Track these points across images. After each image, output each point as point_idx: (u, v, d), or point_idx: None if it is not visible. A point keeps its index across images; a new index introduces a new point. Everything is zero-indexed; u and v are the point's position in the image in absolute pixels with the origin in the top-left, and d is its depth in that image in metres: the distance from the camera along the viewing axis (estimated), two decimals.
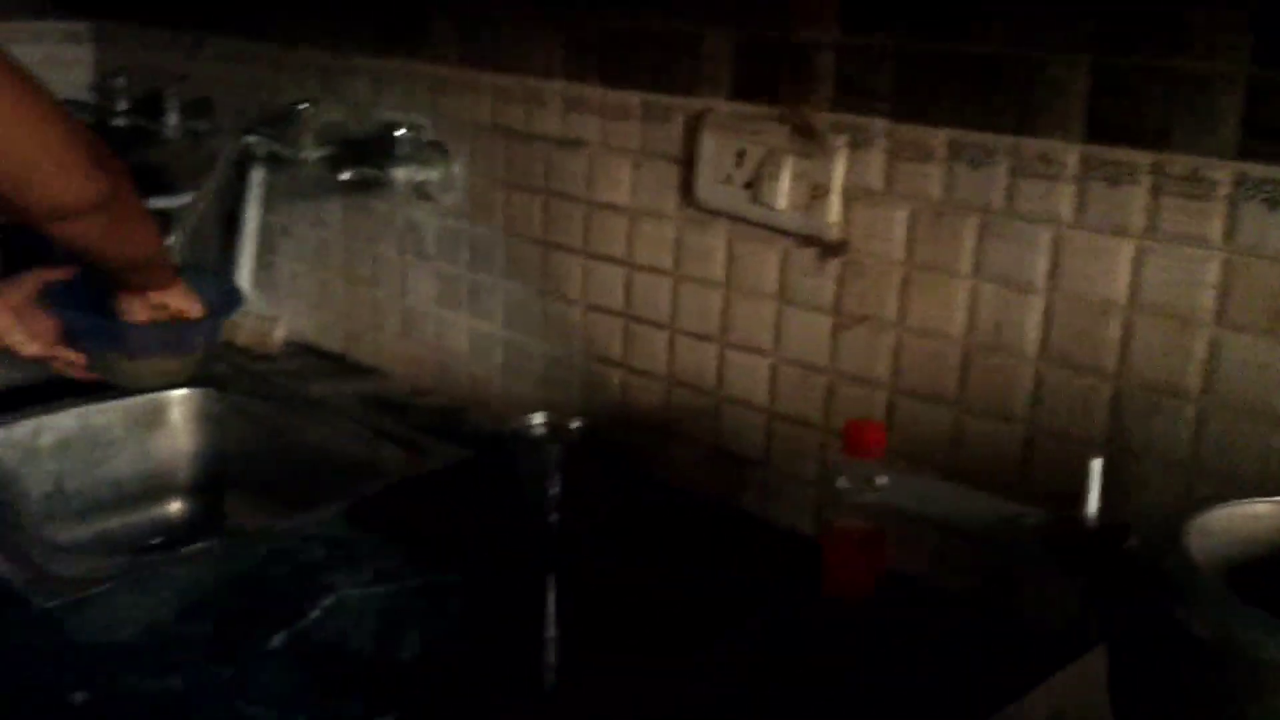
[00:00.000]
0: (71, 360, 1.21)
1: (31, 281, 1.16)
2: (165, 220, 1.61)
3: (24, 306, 1.15)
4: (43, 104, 0.86)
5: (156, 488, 1.45)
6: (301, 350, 1.59)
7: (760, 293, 1.09)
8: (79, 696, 0.80)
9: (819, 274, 1.04)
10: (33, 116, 0.85)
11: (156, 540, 1.35)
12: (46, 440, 1.35)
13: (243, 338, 1.59)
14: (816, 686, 0.86)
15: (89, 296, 1.19)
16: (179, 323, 1.22)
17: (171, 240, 1.58)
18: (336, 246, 1.53)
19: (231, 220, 1.62)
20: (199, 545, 1.04)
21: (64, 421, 1.37)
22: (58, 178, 0.90)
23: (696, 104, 1.10)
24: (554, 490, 1.01)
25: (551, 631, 0.95)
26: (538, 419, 1.07)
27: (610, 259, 1.20)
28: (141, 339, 1.21)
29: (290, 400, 1.43)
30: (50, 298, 1.17)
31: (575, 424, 1.05)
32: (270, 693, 0.81)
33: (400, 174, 1.35)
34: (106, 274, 1.14)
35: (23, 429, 1.33)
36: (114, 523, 1.40)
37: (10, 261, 1.55)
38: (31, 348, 1.18)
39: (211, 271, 1.50)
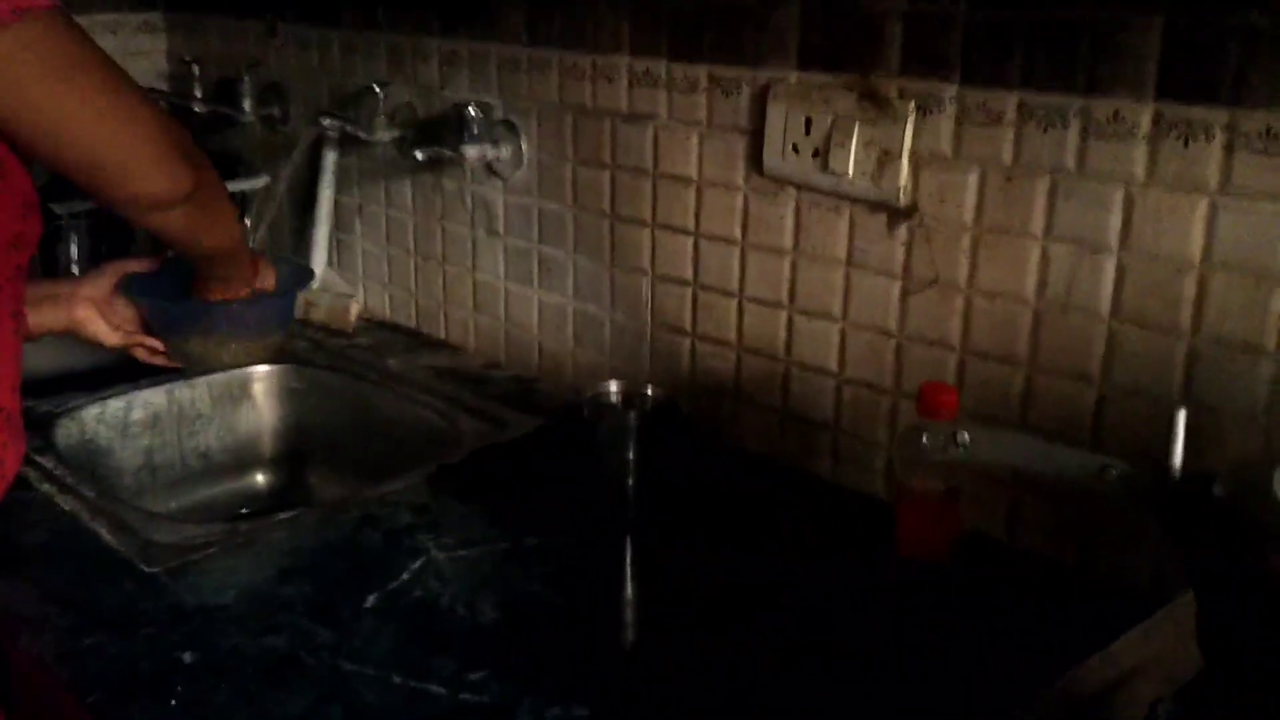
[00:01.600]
0: (153, 348, 1.25)
1: (111, 273, 1.20)
2: (243, 203, 1.66)
3: (105, 298, 1.19)
4: (135, 97, 0.90)
5: (242, 461, 1.50)
6: (376, 326, 1.63)
7: (829, 259, 1.10)
8: (188, 656, 0.84)
9: (888, 239, 1.05)
10: (127, 110, 0.88)
11: (244, 511, 1.40)
12: (138, 416, 1.41)
13: (320, 316, 1.63)
14: (894, 647, 0.88)
15: (168, 287, 1.23)
16: (256, 304, 1.26)
17: (247, 222, 1.63)
18: (408, 225, 1.57)
19: (306, 202, 1.67)
20: (293, 513, 1.08)
21: (154, 398, 1.42)
22: (152, 170, 0.93)
23: (764, 75, 1.11)
24: (630, 457, 1.03)
25: (629, 593, 0.98)
26: (613, 387, 1.09)
27: (678, 230, 1.22)
28: (220, 322, 1.24)
29: (368, 374, 1.47)
30: (130, 289, 1.21)
31: (650, 391, 1.07)
32: (368, 651, 0.85)
33: (471, 152, 1.38)
34: (190, 264, 1.18)
35: (115, 406, 1.39)
36: (202, 495, 1.46)
37: (94, 254, 1.61)
38: (114, 338, 1.23)
39: (281, 255, 1.54)
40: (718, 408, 1.22)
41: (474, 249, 1.48)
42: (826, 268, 1.10)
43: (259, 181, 1.66)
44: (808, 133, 1.08)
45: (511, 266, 1.43)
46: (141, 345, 1.27)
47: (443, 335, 1.56)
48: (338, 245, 1.68)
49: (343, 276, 1.68)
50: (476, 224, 1.46)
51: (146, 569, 0.96)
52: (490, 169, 1.41)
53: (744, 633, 0.89)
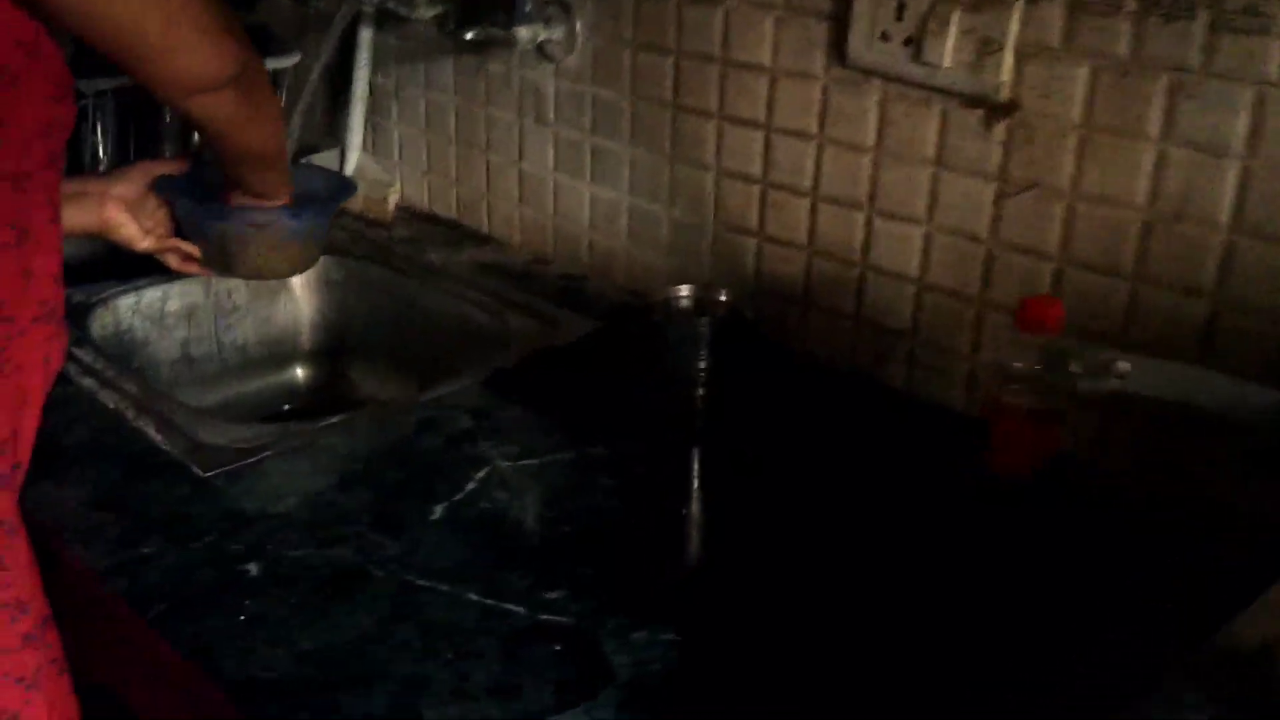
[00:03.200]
0: (187, 253, 1.19)
1: (140, 174, 1.13)
2: (274, 83, 1.58)
3: (135, 199, 1.13)
4: None
5: (280, 355, 1.46)
6: (415, 217, 1.56)
7: (916, 158, 1.03)
8: (252, 568, 0.80)
9: (984, 137, 0.98)
10: None
11: (286, 408, 1.36)
12: (173, 307, 1.36)
13: (357, 205, 1.56)
14: (988, 575, 0.84)
15: (200, 191, 1.17)
16: (298, 212, 1.19)
17: (280, 99, 1.55)
18: (449, 110, 1.49)
19: (339, 83, 1.59)
20: (346, 415, 1.03)
21: (190, 289, 1.37)
22: (198, 44, 0.86)
23: None
24: (701, 366, 0.98)
25: (700, 509, 0.94)
26: (684, 291, 1.03)
27: (748, 122, 1.15)
28: (259, 228, 1.18)
29: (409, 268, 1.42)
30: (161, 190, 1.14)
31: (723, 298, 1.02)
32: (437, 565, 0.81)
33: (522, 33, 1.29)
34: (226, 168, 1.11)
35: (151, 296, 1.34)
36: (240, 389, 1.42)
37: (120, 140, 1.53)
38: (146, 241, 1.16)
39: (320, 167, 1.47)
40: (784, 313, 1.17)
41: (521, 138, 1.41)
42: (912, 167, 1.03)
43: (290, 60, 1.57)
44: (900, 18, 1.00)
45: (562, 158, 1.36)
46: (175, 250, 1.21)
47: (485, 228, 1.49)
48: (374, 130, 1.60)
49: (379, 164, 1.60)
50: (524, 111, 1.39)
51: (200, 472, 0.92)
52: (541, 51, 1.33)
53: (819, 550, 0.85)
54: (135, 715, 0.86)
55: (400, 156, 1.58)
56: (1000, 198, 0.98)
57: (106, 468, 0.94)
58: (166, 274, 1.33)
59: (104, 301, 1.29)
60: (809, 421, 1.04)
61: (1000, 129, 0.97)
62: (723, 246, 1.21)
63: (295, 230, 1.21)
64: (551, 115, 1.36)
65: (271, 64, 1.57)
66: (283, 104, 1.58)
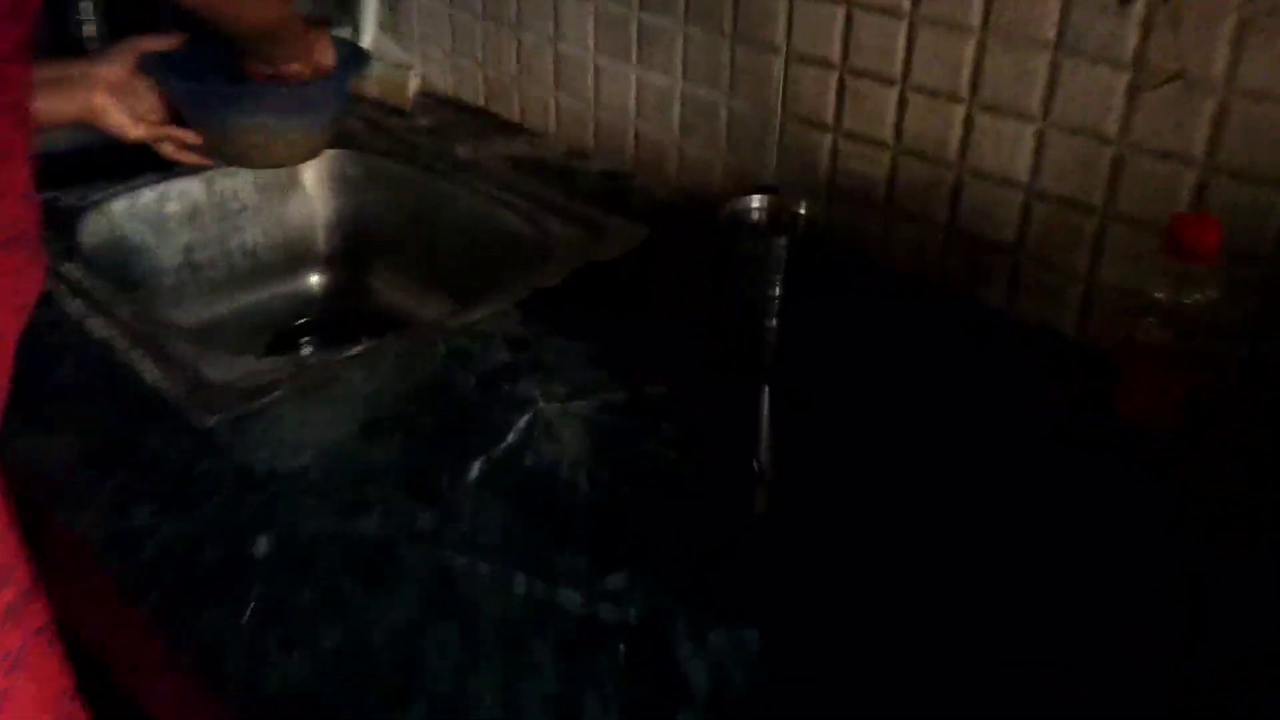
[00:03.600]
0: (185, 141, 1.05)
1: (129, 52, 0.99)
2: None
3: (123, 82, 0.99)
4: None
5: (293, 259, 1.32)
6: (438, 104, 1.41)
7: (1030, 41, 0.87)
8: (262, 545, 0.69)
9: (1116, 18, 0.82)
10: None
11: (301, 321, 1.23)
12: (174, 209, 1.22)
13: (373, 89, 1.41)
14: (1108, 540, 0.71)
15: (200, 68, 1.02)
16: (304, 88, 1.04)
17: None
18: None
19: None
20: (366, 345, 0.91)
21: (191, 188, 1.23)
22: None
23: None
24: (775, 293, 0.85)
25: (772, 459, 0.81)
26: (755, 202, 0.89)
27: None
28: (265, 108, 1.04)
29: (435, 164, 1.27)
30: (153, 70, 1.00)
31: (802, 210, 0.87)
32: (480, 540, 0.70)
33: None
34: (231, 42, 0.96)
35: (148, 198, 1.20)
36: (251, 299, 1.29)
37: (112, 30, 1.37)
38: (137, 130, 1.03)
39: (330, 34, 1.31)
40: (863, 221, 1.02)
41: (556, 13, 1.24)
42: (1026, 52, 0.87)
43: None
44: None
45: (603, 36, 1.20)
46: (170, 138, 1.07)
47: (517, 117, 1.34)
48: (390, 5, 1.43)
49: (397, 43, 1.44)
50: None
51: (203, 421, 0.80)
52: None
53: (912, 508, 0.73)
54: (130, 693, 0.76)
55: (420, 34, 1.41)
56: (1136, 91, 0.82)
57: (96, 413, 0.82)
58: (164, 171, 1.19)
59: (95, 205, 1.15)
60: (897, 352, 0.90)
61: (1138, 7, 0.81)
62: (791, 142, 1.06)
63: (302, 109, 1.07)
64: None
65: None
66: None
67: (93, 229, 1.14)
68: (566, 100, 1.27)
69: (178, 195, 1.22)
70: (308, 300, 1.32)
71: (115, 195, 1.17)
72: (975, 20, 0.89)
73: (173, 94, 1.05)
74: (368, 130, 1.34)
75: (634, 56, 1.17)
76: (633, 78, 1.19)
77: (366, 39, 1.43)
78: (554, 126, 1.30)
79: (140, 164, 1.17)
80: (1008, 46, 0.88)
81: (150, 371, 0.87)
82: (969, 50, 0.91)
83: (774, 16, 1.03)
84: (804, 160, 1.05)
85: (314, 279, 1.33)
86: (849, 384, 0.86)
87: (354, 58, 1.12)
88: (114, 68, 1.02)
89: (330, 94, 1.09)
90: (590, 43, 1.21)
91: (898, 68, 0.95)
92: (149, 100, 1.05)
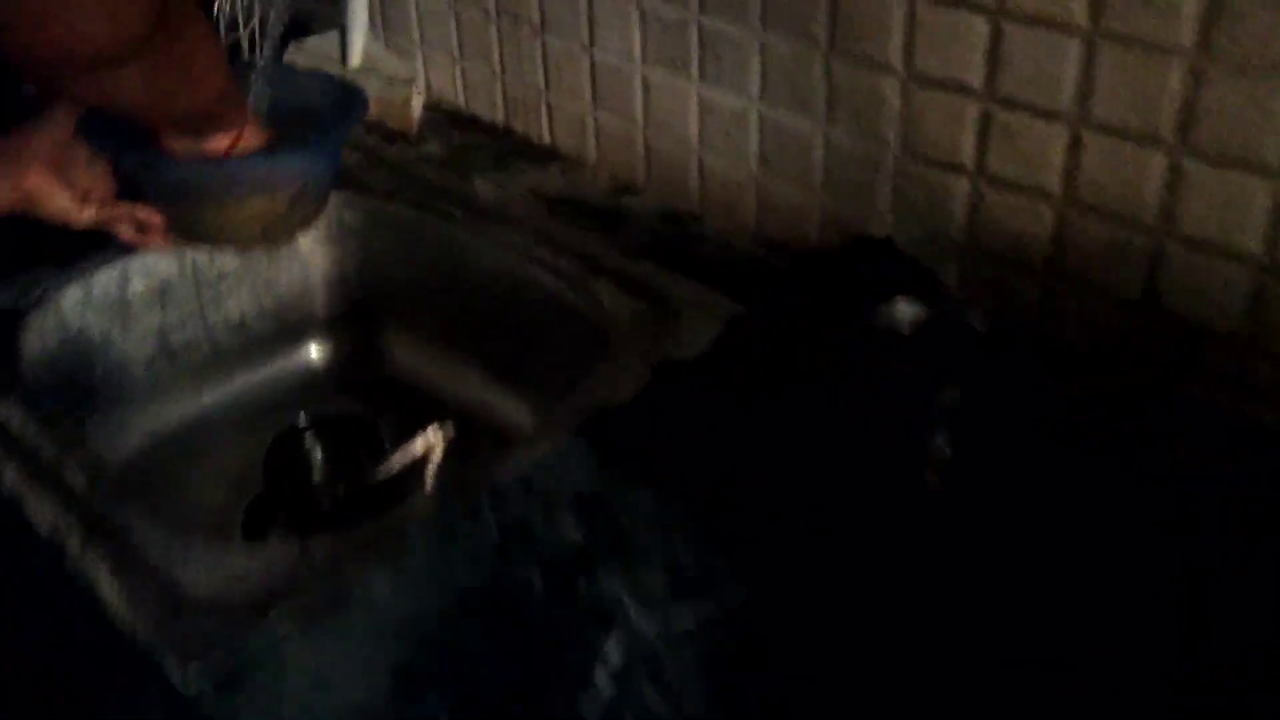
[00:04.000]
0: (146, 221, 0.83)
1: (63, 118, 0.77)
2: None
3: (62, 155, 0.77)
4: None
5: (289, 327, 1.10)
6: (448, 122, 1.16)
7: (1268, 66, 0.63)
8: None
9: None
10: None
11: (303, 424, 1.01)
12: (139, 289, 1.00)
13: (371, 109, 1.17)
14: None
15: (144, 130, 0.79)
16: (291, 151, 0.82)
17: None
18: None
19: None
20: (392, 519, 0.69)
21: (158, 261, 1.00)
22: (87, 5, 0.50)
23: None
24: (941, 445, 0.62)
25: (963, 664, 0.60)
26: (905, 310, 0.66)
27: (960, 1, 0.74)
28: (241, 175, 0.81)
29: (451, 206, 1.04)
30: (95, 136, 0.77)
31: (975, 325, 0.65)
32: None
33: None
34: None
35: (105, 281, 0.97)
36: (241, 382, 1.07)
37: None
38: (85, 212, 0.81)
39: (313, 70, 1.06)
40: (1013, 289, 0.79)
41: (591, 14, 0.99)
42: (1259, 79, 0.64)
43: None
44: None
45: (654, 44, 0.96)
46: (127, 219, 0.85)
47: (546, 138, 1.10)
48: (383, 3, 1.19)
49: (395, 51, 1.19)
50: None
51: (182, 675, 0.59)
52: None
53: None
54: None
55: (422, 39, 1.17)
56: None
57: (30, 664, 0.61)
58: (121, 245, 0.97)
59: (40, 303, 0.93)
60: (1118, 476, 0.67)
61: None
62: (910, 185, 0.82)
63: (293, 177, 0.85)
64: None
65: None
66: None
67: (38, 335, 0.92)
68: (607, 119, 1.03)
69: (143, 272, 0.99)
70: (309, 377, 1.10)
71: (63, 285, 0.95)
72: (1187, 38, 0.65)
73: (126, 167, 0.82)
74: (366, 163, 1.11)
75: (695, 70, 0.93)
76: (694, 95, 0.95)
77: (357, 47, 1.19)
78: (593, 151, 1.06)
79: (89, 237, 0.94)
80: (1235, 73, 0.64)
81: (109, 585, 0.65)
82: (1174, 77, 0.67)
83: (885, 26, 0.79)
84: (929, 209, 0.82)
85: (314, 350, 1.11)
86: (1057, 541, 0.64)
87: (349, 103, 0.89)
88: (46, 139, 0.80)
89: (325, 155, 0.86)
90: (635, 51, 0.97)
91: (1068, 98, 0.72)
92: (95, 173, 0.82)
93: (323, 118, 0.89)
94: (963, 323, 0.69)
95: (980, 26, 0.74)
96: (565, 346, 0.93)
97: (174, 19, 0.57)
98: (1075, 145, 0.72)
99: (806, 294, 0.84)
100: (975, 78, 0.75)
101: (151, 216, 0.85)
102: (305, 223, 0.90)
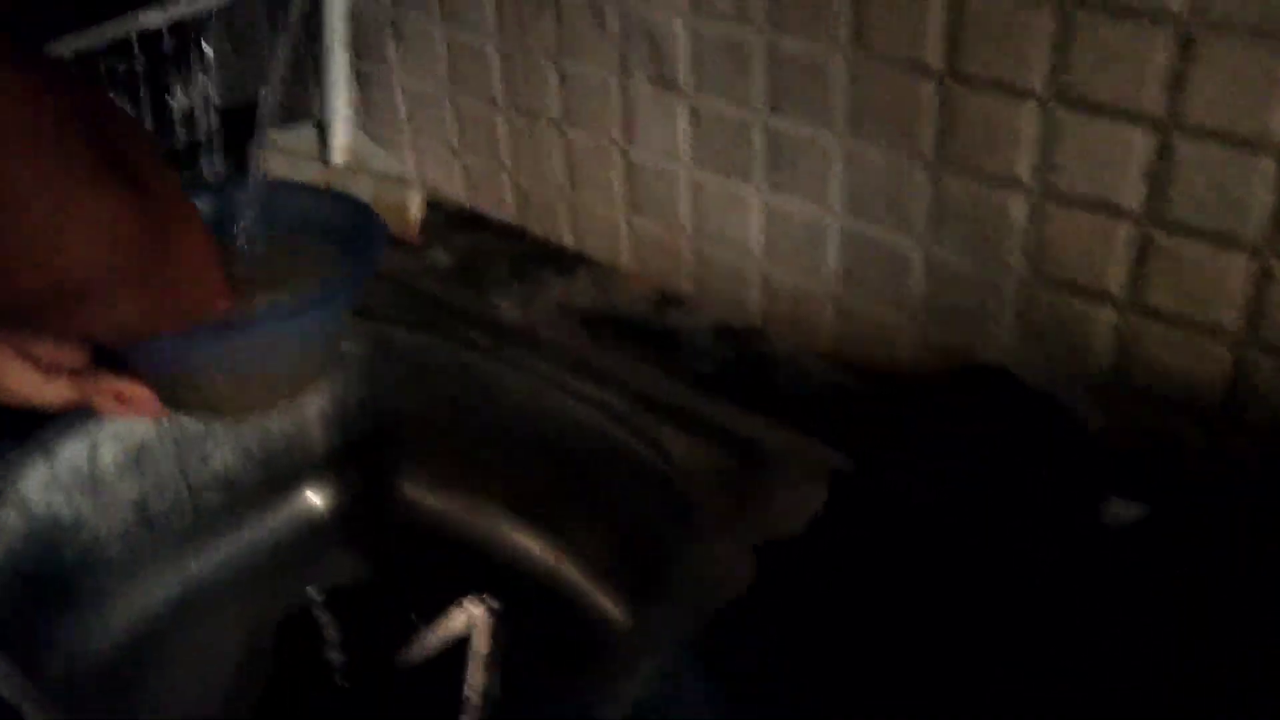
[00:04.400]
0: (130, 394, 0.68)
1: None
2: (182, 40, 1.00)
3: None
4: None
5: (284, 474, 0.95)
6: (453, 224, 1.02)
7: None
8: None
9: None
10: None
11: (318, 595, 0.87)
12: (111, 457, 0.84)
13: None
14: None
15: None
16: (290, 312, 0.68)
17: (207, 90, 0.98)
18: (489, 56, 0.94)
19: (301, 21, 1.01)
20: None
21: (129, 427, 0.85)
22: (51, 222, 0.37)
23: None
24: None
25: None
26: (1123, 507, 0.54)
27: (1103, 107, 0.63)
28: (230, 343, 0.67)
29: (467, 325, 0.90)
30: None
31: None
32: None
33: None
34: None
35: (71, 454, 0.82)
36: (233, 546, 0.92)
37: None
38: (52, 387, 0.66)
39: (314, 188, 0.91)
40: (1174, 429, 0.68)
41: (625, 108, 0.87)
42: None
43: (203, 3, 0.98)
44: None
45: (704, 144, 0.83)
46: (106, 391, 0.70)
47: (570, 241, 0.97)
48: (360, 85, 1.04)
49: (382, 143, 1.05)
50: (631, 66, 0.84)
51: None
52: None
53: None
54: None
55: (410, 124, 1.03)
56: None
57: None
58: (88, 412, 0.81)
59: None
60: None
61: None
62: (1040, 312, 0.71)
63: (288, 343, 0.70)
64: (683, 77, 0.81)
65: (176, 12, 0.98)
66: (211, 57, 1.01)
67: None
68: (646, 225, 0.90)
69: (115, 438, 0.84)
70: (312, 529, 0.95)
71: (25, 462, 0.79)
72: None
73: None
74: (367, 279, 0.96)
75: (759, 175, 0.81)
76: (756, 202, 0.82)
77: (339, 140, 1.04)
78: (628, 258, 0.93)
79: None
80: None
81: None
82: None
83: (1013, 136, 0.67)
84: (1063, 338, 0.70)
85: (314, 498, 0.96)
86: None
87: (364, 231, 0.74)
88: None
89: (328, 317, 0.71)
90: (683, 151, 0.84)
91: (1255, 224, 0.61)
92: (65, 343, 0.67)
93: (331, 249, 0.74)
94: (1190, 518, 0.57)
95: (1142, 141, 0.62)
96: (624, 499, 0.80)
97: (165, 225, 0.44)
98: (1265, 277, 0.61)
99: (935, 442, 0.72)
100: (1132, 196, 0.64)
101: (137, 390, 0.70)
102: (300, 389, 0.75)
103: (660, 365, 0.84)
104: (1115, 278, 0.67)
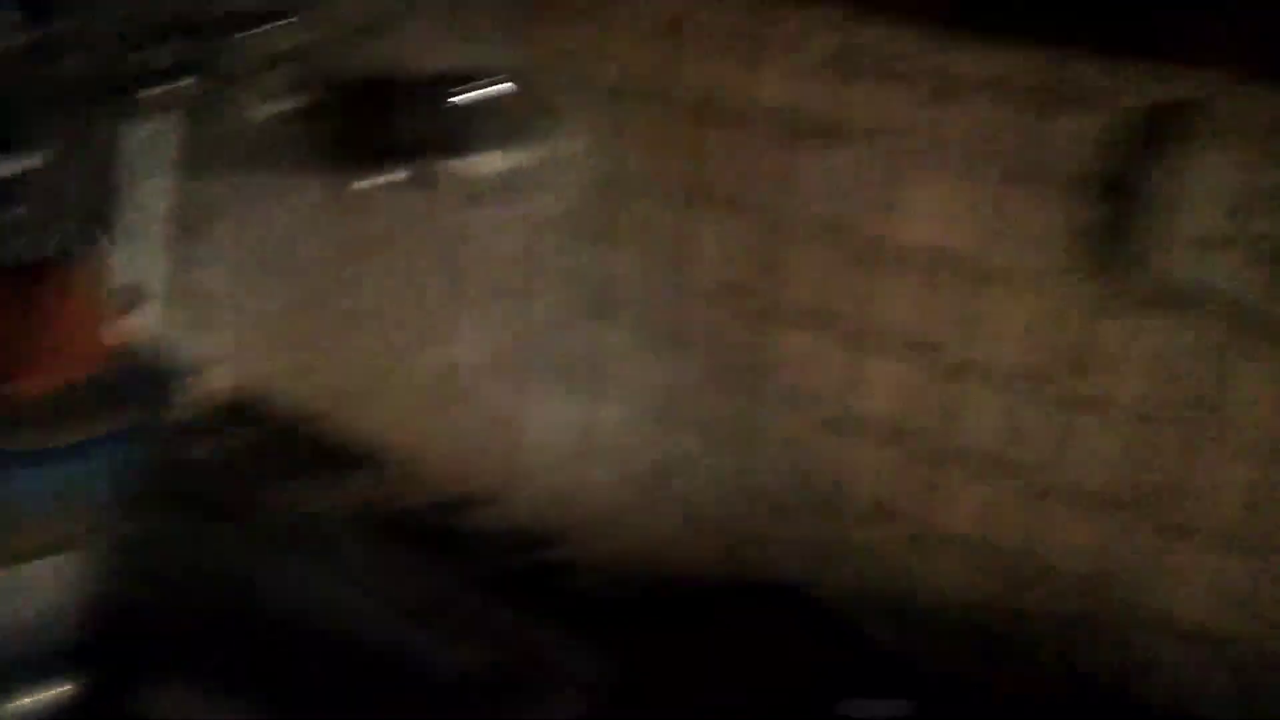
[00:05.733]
0: None
1: None
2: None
3: None
4: None
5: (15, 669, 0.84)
6: (238, 416, 0.97)
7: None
8: None
9: None
10: None
11: None
12: None
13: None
14: None
15: None
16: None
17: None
18: (308, 256, 0.93)
19: (111, 193, 0.99)
20: None
21: None
22: None
23: (1164, 87, 0.58)
24: None
25: None
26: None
27: (902, 346, 0.68)
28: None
29: (242, 518, 0.85)
30: None
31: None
32: None
33: (467, 165, 0.76)
34: None
35: None
36: None
37: None
38: None
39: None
40: (945, 646, 0.69)
41: (436, 309, 0.87)
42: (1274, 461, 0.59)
43: (19, 164, 0.94)
44: (1248, 213, 0.56)
45: (513, 349, 0.84)
46: None
47: (373, 434, 0.93)
48: (179, 276, 1.00)
49: (193, 334, 1.00)
50: (450, 271, 0.85)
51: None
52: (509, 183, 0.80)
53: None
54: None
55: (226, 321, 0.99)
56: None
57: None
58: None
59: None
60: None
61: None
62: (830, 532, 0.73)
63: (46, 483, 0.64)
64: (508, 284, 0.83)
65: None
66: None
67: None
68: (442, 424, 0.89)
69: None
70: None
71: None
72: (1196, 406, 0.61)
73: None
74: (150, 459, 0.90)
75: (571, 383, 0.82)
76: (566, 412, 0.83)
77: (149, 319, 0.99)
78: (424, 457, 0.90)
79: None
80: (1234, 450, 0.60)
81: None
82: (1171, 442, 0.62)
83: (812, 368, 0.71)
84: (854, 561, 0.72)
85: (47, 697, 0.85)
86: None
87: (150, 389, 0.70)
88: None
89: (102, 460, 0.66)
90: (497, 357, 0.85)
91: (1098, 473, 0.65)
92: None
93: (112, 404, 0.70)
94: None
95: (930, 381, 0.67)
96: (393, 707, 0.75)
97: None
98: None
99: (708, 658, 0.71)
100: (940, 433, 0.68)
101: None
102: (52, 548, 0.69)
103: (450, 567, 0.81)
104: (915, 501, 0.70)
